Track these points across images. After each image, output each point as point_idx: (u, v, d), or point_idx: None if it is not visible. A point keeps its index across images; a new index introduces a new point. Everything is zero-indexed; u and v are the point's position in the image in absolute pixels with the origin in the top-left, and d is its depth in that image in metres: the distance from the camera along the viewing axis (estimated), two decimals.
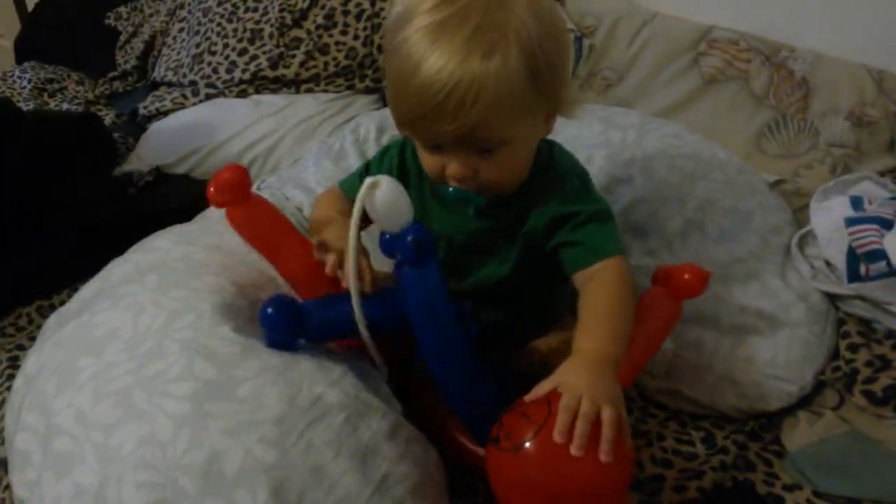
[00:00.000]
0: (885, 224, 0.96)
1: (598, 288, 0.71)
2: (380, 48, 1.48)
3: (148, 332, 0.71)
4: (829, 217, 1.02)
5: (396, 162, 0.85)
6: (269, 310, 0.72)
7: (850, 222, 0.99)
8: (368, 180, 0.66)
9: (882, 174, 1.13)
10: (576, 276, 0.74)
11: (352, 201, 0.73)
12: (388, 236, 0.69)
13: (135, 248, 0.93)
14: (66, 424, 0.66)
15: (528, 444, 0.59)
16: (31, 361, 0.76)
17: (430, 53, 0.64)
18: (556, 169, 0.80)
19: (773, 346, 0.92)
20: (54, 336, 0.77)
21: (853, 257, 0.96)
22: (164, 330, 0.71)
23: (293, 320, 0.73)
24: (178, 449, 0.62)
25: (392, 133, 1.26)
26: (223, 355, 0.69)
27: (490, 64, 0.64)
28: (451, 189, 0.73)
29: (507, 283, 0.82)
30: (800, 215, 1.11)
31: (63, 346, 0.74)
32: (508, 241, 0.80)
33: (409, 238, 0.67)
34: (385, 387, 0.76)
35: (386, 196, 0.66)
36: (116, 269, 0.87)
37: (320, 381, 0.69)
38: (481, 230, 0.80)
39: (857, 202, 1.02)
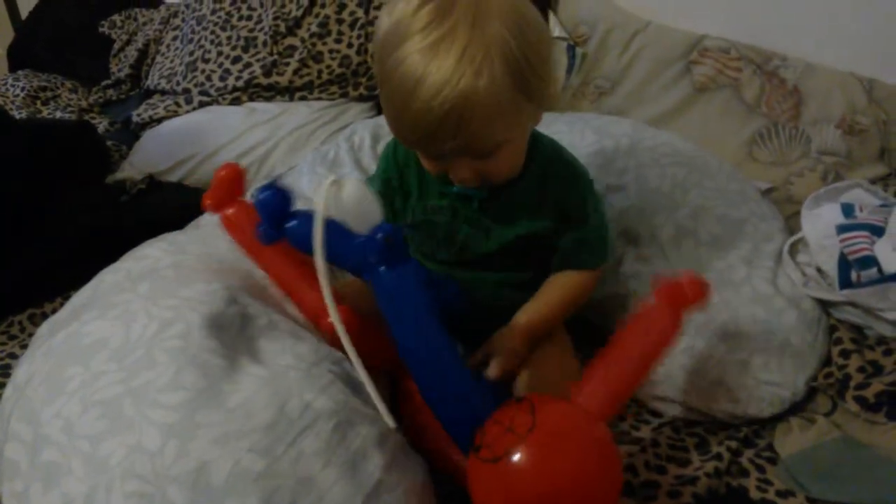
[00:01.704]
0: (876, 231, 0.97)
1: (563, 288, 0.88)
2: (374, 57, 1.49)
3: (138, 342, 0.71)
4: (820, 224, 1.02)
5: (391, 152, 0.91)
6: (264, 194, 0.73)
7: (842, 229, 0.99)
8: (330, 180, 0.67)
9: (873, 181, 1.14)
10: (557, 270, 0.89)
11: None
12: (359, 240, 0.68)
13: (126, 256, 0.93)
14: (53, 435, 0.65)
15: (509, 456, 0.60)
16: (22, 370, 0.75)
17: (425, 77, 0.67)
18: (562, 162, 0.88)
19: (766, 352, 0.92)
20: (45, 345, 0.76)
21: (844, 264, 0.97)
22: (154, 339, 0.70)
23: (284, 209, 0.74)
24: (167, 459, 0.61)
25: (386, 140, 1.26)
26: (212, 367, 0.68)
27: (479, 83, 0.67)
28: (454, 188, 0.80)
29: (505, 255, 0.88)
30: (791, 222, 1.12)
31: (52, 356, 0.73)
32: (510, 220, 0.86)
33: (380, 236, 0.66)
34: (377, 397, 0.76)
35: (352, 196, 0.66)
36: (108, 277, 0.86)
37: (309, 388, 0.68)
38: (483, 211, 0.86)
39: (848, 209, 1.03)
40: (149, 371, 0.67)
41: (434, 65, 0.67)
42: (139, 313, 0.74)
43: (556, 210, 0.85)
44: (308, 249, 0.68)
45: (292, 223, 0.74)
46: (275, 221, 0.74)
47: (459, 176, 0.76)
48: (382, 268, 0.68)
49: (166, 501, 0.60)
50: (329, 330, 0.75)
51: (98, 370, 0.69)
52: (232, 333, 0.74)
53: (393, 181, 0.90)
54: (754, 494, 0.81)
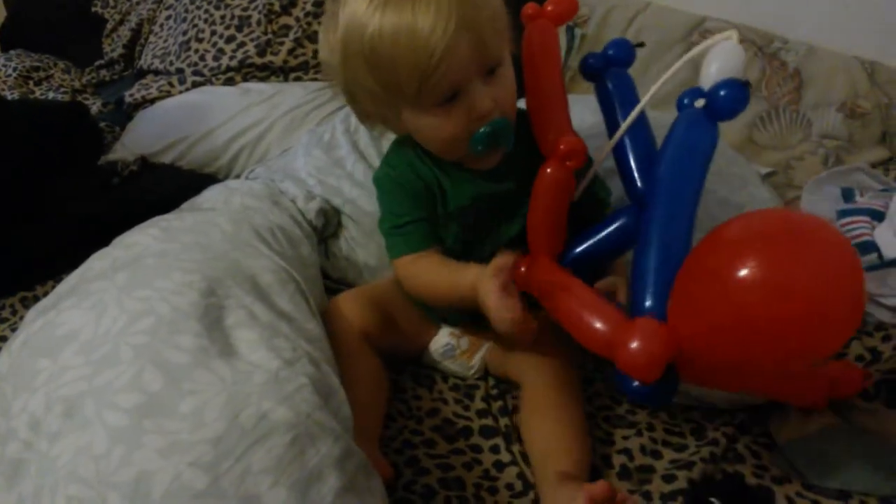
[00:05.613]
0: (877, 216, 0.96)
1: None
2: (344, 53, 1.47)
3: (106, 336, 0.69)
4: (820, 208, 1.02)
5: (412, 174, 0.87)
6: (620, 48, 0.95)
7: (842, 214, 0.98)
8: (721, 36, 0.74)
9: (874, 166, 1.13)
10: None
11: (432, 255, 0.88)
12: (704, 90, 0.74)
13: (116, 241, 0.91)
14: (20, 429, 0.64)
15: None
16: (2, 360, 0.74)
17: (415, 18, 0.71)
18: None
19: None
20: (24, 333, 0.75)
21: None
22: (122, 334, 0.68)
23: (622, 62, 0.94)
24: (111, 464, 0.59)
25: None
26: (174, 364, 0.66)
27: None
28: (479, 148, 0.79)
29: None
30: (792, 207, 1.11)
31: (27, 346, 0.72)
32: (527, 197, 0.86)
33: (724, 92, 0.72)
34: (346, 407, 0.72)
35: (726, 48, 0.73)
36: (95, 264, 0.85)
37: (271, 395, 0.64)
38: (502, 192, 0.87)
39: (848, 194, 1.02)
40: (112, 369, 0.65)
41: (420, 4, 0.71)
42: (111, 305, 0.72)
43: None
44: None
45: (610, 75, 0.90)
46: (604, 62, 0.92)
47: (480, 105, 0.76)
48: (702, 114, 0.75)
49: None
50: None
51: (65, 364, 0.67)
52: (206, 325, 0.71)
53: (431, 188, 0.88)
54: (750, 481, 0.81)
